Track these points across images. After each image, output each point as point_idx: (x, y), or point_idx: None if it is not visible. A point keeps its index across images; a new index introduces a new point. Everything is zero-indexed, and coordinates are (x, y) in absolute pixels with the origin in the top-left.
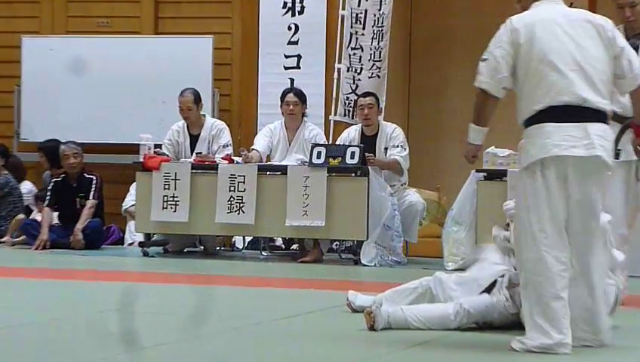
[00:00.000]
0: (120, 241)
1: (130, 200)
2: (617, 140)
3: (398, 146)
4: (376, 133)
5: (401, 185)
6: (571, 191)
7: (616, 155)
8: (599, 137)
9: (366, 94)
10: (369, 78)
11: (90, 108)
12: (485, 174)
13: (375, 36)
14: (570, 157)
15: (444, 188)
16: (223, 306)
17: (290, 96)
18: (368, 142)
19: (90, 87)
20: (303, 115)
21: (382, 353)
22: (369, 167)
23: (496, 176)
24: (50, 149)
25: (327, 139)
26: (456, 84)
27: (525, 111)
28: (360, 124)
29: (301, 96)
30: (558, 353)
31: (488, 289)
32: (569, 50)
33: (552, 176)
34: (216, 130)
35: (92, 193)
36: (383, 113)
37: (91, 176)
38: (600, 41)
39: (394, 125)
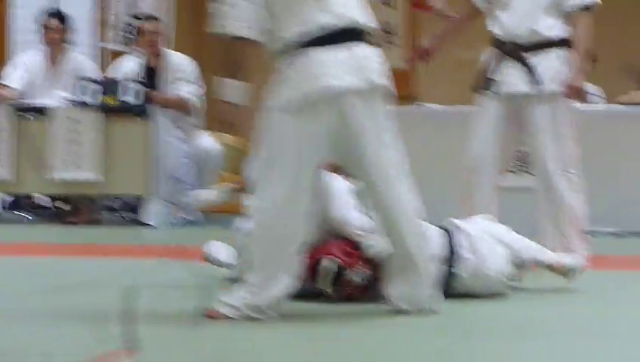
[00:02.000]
0: None
1: None
2: (490, 69)
3: (187, 81)
4: (160, 65)
5: (193, 127)
6: (345, 128)
7: (488, 87)
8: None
9: (150, 18)
10: None
11: None
12: None
13: None
14: (346, 88)
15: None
16: None
17: (50, 20)
18: (151, 75)
19: None
20: (65, 41)
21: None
22: (151, 106)
23: None
24: None
25: (100, 72)
26: None
27: (279, 37)
28: (140, 54)
29: (64, 19)
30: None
31: None
32: None
33: (323, 113)
34: None
35: None
36: (167, 39)
37: None
38: None
39: (182, 55)
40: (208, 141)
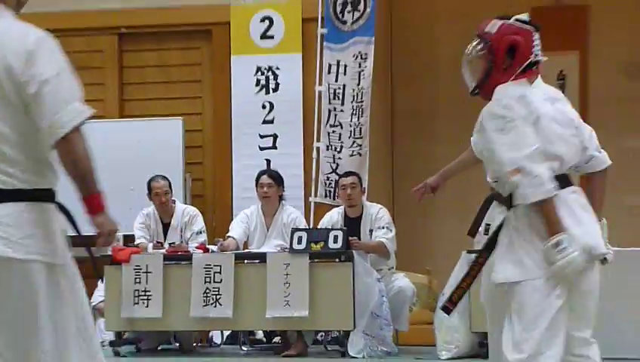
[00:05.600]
0: None
1: (98, 296)
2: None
3: (383, 228)
4: (361, 215)
5: (389, 269)
6: None
7: (486, 231)
8: None
9: (348, 173)
10: (350, 156)
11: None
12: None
13: (355, 112)
14: None
15: (434, 271)
16: None
17: (264, 178)
18: (352, 224)
19: None
20: (281, 197)
21: None
22: (354, 252)
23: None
24: None
25: (308, 223)
26: (442, 159)
27: None
28: (342, 206)
29: (276, 178)
30: None
31: None
32: None
33: None
34: (189, 217)
35: None
36: (366, 193)
37: None
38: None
39: (379, 206)
40: (402, 280)
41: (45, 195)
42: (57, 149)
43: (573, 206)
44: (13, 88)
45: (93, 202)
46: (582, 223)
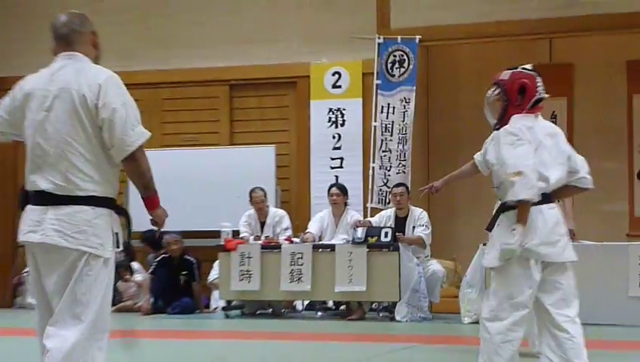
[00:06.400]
0: (206, 306)
1: (214, 274)
2: (497, 215)
3: (422, 226)
4: (407, 215)
5: (425, 256)
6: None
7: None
8: (57, 221)
9: (399, 185)
10: (397, 173)
11: (182, 204)
12: None
13: (400, 141)
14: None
15: (459, 259)
16: (290, 357)
17: (334, 190)
18: (400, 222)
19: (181, 189)
20: (346, 203)
21: None
22: (399, 244)
23: None
24: (150, 238)
25: (366, 221)
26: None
27: None
28: (393, 208)
29: (342, 189)
30: None
31: None
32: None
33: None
34: (279, 217)
35: (195, 275)
36: (409, 199)
37: (191, 260)
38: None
39: (420, 209)
40: (436, 265)
41: (101, 201)
42: (125, 163)
43: (548, 219)
44: (86, 114)
45: (152, 200)
46: (542, 233)
